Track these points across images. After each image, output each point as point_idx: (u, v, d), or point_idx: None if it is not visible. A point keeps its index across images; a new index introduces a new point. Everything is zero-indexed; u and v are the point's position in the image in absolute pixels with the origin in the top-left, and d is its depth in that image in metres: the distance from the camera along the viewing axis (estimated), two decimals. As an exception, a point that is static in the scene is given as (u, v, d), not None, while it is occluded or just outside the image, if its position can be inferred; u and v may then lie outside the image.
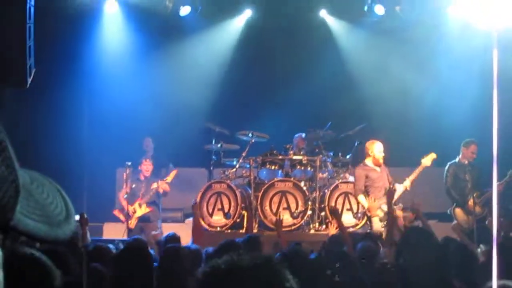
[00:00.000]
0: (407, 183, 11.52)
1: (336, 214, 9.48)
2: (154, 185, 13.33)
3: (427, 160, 11.63)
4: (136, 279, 4.71)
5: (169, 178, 13.45)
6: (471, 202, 11.94)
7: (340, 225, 9.09)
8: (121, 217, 13.23)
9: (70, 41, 14.01)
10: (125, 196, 13.09)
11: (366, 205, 11.59)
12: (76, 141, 14.24)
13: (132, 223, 13.09)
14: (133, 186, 13.27)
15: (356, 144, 13.75)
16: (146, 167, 13.43)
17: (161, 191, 13.38)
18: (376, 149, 11.81)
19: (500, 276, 3.70)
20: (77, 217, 8.57)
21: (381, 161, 11.84)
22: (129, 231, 12.94)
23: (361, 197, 11.69)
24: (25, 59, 9.00)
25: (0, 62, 8.94)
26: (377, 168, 11.80)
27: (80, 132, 14.61)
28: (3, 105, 12.79)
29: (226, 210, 13.25)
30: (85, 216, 8.89)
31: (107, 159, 14.05)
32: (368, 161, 11.87)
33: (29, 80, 9.46)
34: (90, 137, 14.76)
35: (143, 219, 13.22)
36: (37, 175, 1.81)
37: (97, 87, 14.34)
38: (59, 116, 13.92)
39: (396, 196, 10.80)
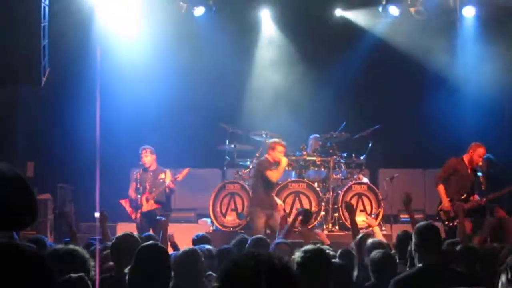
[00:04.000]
0: None
1: (350, 210, 9.40)
2: (162, 176, 13.05)
3: None
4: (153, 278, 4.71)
5: (180, 176, 13.11)
6: None
7: (352, 221, 9.04)
8: (127, 207, 12.97)
9: (84, 41, 14.02)
10: (136, 189, 12.90)
11: (443, 197, 11.87)
12: (91, 140, 14.22)
13: (137, 215, 12.80)
14: (139, 177, 12.98)
15: (370, 145, 13.74)
16: (143, 158, 12.87)
17: (167, 190, 13.04)
18: (477, 152, 11.93)
19: None
20: (97, 215, 8.67)
21: (475, 164, 11.99)
22: (137, 225, 12.73)
23: (441, 188, 11.97)
24: (39, 58, 9.05)
25: (15, 61, 8.99)
26: (468, 169, 12.00)
27: (95, 131, 14.59)
28: (19, 104, 12.86)
29: (239, 211, 13.25)
30: (105, 213, 8.88)
31: (121, 159, 14.03)
32: (465, 158, 12.03)
33: (44, 79, 9.50)
34: (104, 136, 14.71)
35: (149, 216, 12.64)
36: None
37: (111, 87, 14.31)
38: (74, 115, 13.94)
39: None
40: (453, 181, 12.01)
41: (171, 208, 13.22)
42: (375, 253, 6.53)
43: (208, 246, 7.90)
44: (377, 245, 7.32)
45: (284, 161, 12.20)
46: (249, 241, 8.28)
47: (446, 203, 11.81)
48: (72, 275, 4.07)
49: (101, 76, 14.41)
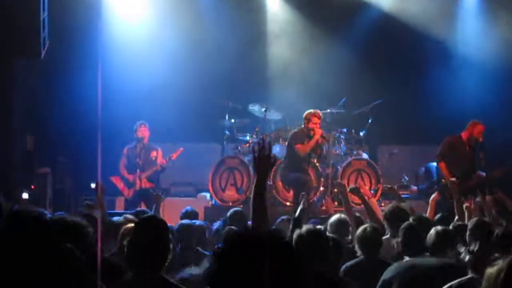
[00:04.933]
0: None
1: (357, 193, 9.38)
2: (154, 153, 13.01)
3: None
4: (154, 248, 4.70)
5: (174, 155, 13.08)
6: None
7: (364, 202, 9.06)
8: (119, 184, 12.99)
9: (84, 15, 13.96)
10: (126, 166, 12.95)
11: (445, 174, 11.77)
12: (90, 115, 14.18)
13: (130, 193, 12.85)
14: (129, 153, 12.96)
15: (369, 121, 13.73)
16: (142, 132, 12.92)
17: (159, 168, 13.01)
18: (476, 128, 11.86)
19: None
20: (93, 185, 8.65)
21: (474, 141, 11.91)
22: (126, 201, 12.81)
23: (442, 165, 11.92)
24: (39, 31, 9.02)
25: (15, 33, 8.96)
26: (467, 147, 11.94)
27: (95, 105, 14.50)
28: (17, 77, 12.81)
29: (238, 186, 13.26)
30: (102, 184, 8.79)
31: (120, 134, 14.01)
32: (464, 136, 11.98)
33: (43, 51, 9.48)
34: (104, 110, 14.64)
35: (142, 193, 12.75)
36: None
37: (111, 61, 14.26)
38: (73, 88, 13.88)
39: None
40: (452, 159, 11.98)
41: (161, 186, 13.20)
42: (362, 229, 6.62)
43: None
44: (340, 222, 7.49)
45: (317, 133, 12.17)
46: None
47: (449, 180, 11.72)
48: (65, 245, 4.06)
49: (102, 49, 14.41)
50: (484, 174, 11.96)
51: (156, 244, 4.66)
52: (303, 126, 12.37)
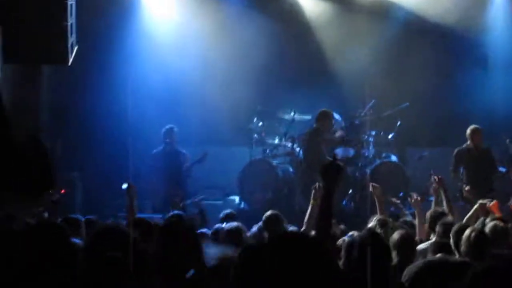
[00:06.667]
0: None
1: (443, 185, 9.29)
2: (181, 158, 13.16)
3: None
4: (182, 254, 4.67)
5: (199, 160, 13.24)
6: None
7: (446, 196, 8.99)
8: (147, 187, 13.19)
9: (113, 18, 14.06)
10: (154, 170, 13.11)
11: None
12: (119, 118, 14.27)
13: (157, 197, 13.01)
14: (156, 157, 13.28)
15: (398, 124, 13.65)
16: (170, 137, 13.30)
17: (185, 172, 13.18)
18: (475, 136, 12.09)
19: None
20: (124, 186, 8.62)
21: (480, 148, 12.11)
22: (153, 205, 12.94)
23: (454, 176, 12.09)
24: (66, 37, 9.07)
25: (41, 39, 9.02)
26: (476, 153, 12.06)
27: (123, 109, 14.58)
28: (44, 81, 12.89)
29: (266, 189, 13.23)
30: (133, 185, 8.69)
31: (148, 137, 14.07)
32: (469, 144, 12.20)
33: (71, 57, 9.52)
34: (133, 114, 14.74)
35: (169, 197, 12.77)
36: None
37: (139, 65, 14.34)
38: (102, 92, 13.98)
39: None
40: (468, 169, 12.07)
41: (187, 189, 13.31)
42: (396, 234, 6.49)
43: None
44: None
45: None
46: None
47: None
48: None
49: (133, 53, 14.50)
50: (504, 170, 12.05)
51: (185, 246, 4.62)
52: (319, 123, 12.57)
